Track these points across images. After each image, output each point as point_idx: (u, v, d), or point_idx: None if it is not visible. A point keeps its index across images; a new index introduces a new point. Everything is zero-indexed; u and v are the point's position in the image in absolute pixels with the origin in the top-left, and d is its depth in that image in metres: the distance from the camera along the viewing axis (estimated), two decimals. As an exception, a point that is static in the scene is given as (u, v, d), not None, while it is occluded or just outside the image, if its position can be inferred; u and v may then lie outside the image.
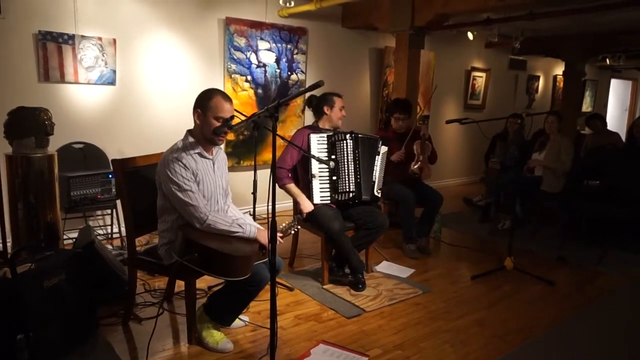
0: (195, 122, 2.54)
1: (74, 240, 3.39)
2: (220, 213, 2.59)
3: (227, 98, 2.52)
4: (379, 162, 3.65)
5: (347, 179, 3.48)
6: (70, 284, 2.47)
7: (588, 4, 4.57)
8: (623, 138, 6.68)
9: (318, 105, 3.57)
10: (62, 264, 2.47)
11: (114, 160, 2.68)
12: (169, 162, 2.44)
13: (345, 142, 3.50)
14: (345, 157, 3.49)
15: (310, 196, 3.44)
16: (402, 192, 4.20)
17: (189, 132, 2.58)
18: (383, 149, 3.70)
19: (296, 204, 3.68)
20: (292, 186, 3.49)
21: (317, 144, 3.46)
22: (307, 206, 3.42)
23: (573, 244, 4.67)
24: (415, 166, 4.33)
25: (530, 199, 5.04)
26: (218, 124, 2.46)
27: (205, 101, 2.48)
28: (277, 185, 3.44)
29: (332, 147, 3.50)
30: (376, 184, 3.63)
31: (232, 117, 2.46)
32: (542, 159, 4.91)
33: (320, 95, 3.54)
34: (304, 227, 3.67)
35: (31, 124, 2.97)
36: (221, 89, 4.87)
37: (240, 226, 2.49)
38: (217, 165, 2.66)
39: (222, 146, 4.98)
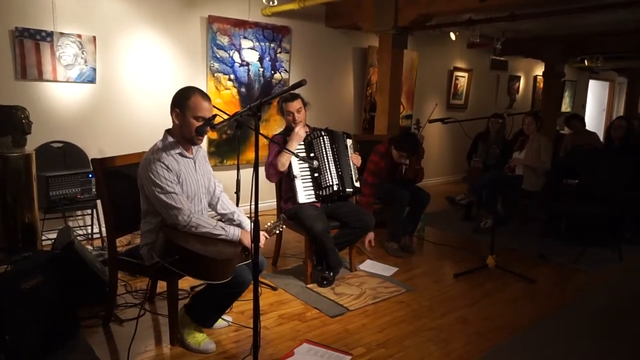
0: (173, 121, 2.50)
1: (53, 241, 3.33)
2: (204, 215, 2.56)
3: (206, 96, 2.49)
4: (349, 154, 3.68)
5: (329, 173, 3.50)
6: (49, 286, 2.42)
7: (567, 6, 4.65)
8: (601, 138, 6.81)
9: (280, 108, 3.56)
10: (41, 265, 2.42)
11: (94, 160, 2.64)
12: (150, 164, 2.40)
13: (322, 138, 3.53)
14: (324, 153, 3.52)
15: (294, 196, 3.43)
16: (396, 191, 4.21)
17: (168, 132, 2.54)
18: (349, 142, 3.73)
19: (280, 201, 3.68)
20: (280, 156, 3.38)
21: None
22: (295, 141, 3.36)
23: (553, 241, 4.73)
24: (411, 172, 4.41)
25: (512, 197, 5.11)
26: (197, 123, 2.43)
27: (184, 100, 2.44)
28: (275, 177, 3.40)
29: (310, 145, 3.51)
30: (353, 175, 3.65)
31: (215, 115, 2.43)
32: (523, 158, 4.98)
33: (280, 97, 3.49)
34: (288, 227, 3.66)
35: (8, 122, 2.92)
36: (204, 87, 4.89)
37: (223, 228, 2.46)
38: (199, 163, 2.63)
39: (205, 145, 4.97)
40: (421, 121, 4.64)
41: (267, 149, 3.50)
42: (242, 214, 2.73)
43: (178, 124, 2.48)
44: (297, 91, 3.31)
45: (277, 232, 2.68)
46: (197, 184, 2.58)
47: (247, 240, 2.48)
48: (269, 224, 2.64)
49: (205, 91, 4.90)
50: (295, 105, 3.47)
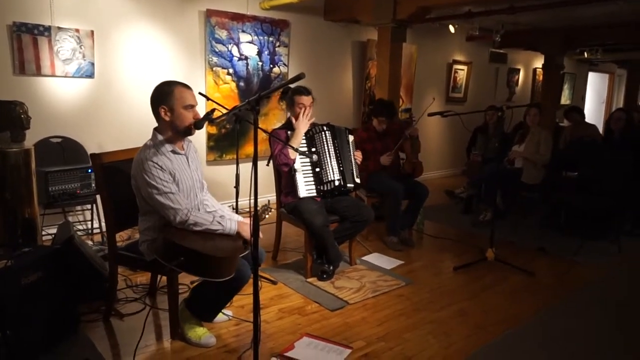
0: (162, 119, 2.45)
1: (53, 236, 3.33)
2: (201, 211, 2.56)
3: (186, 85, 2.48)
4: (351, 150, 3.69)
5: (330, 168, 3.50)
6: (49, 281, 2.43)
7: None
8: (600, 130, 6.80)
9: (290, 99, 3.54)
10: (41, 260, 2.42)
11: (92, 155, 2.63)
12: (144, 166, 2.37)
13: (323, 133, 3.53)
14: (326, 148, 3.52)
15: (294, 190, 3.43)
16: (391, 185, 4.21)
17: (156, 130, 2.51)
18: (351, 138, 3.74)
19: (279, 195, 3.68)
20: (294, 141, 3.39)
21: None
22: (302, 128, 3.39)
23: (552, 234, 4.75)
24: (408, 165, 4.43)
25: (511, 190, 5.11)
26: (188, 112, 2.43)
27: (168, 96, 2.42)
28: (287, 166, 3.39)
29: (311, 140, 3.51)
30: (354, 171, 3.66)
31: (213, 110, 2.42)
32: (522, 151, 4.98)
33: (290, 88, 3.50)
34: (287, 221, 3.67)
35: (6, 118, 2.90)
36: (202, 81, 4.89)
37: (220, 223, 2.46)
38: (191, 159, 2.62)
39: (204, 139, 4.97)
40: (414, 114, 4.63)
41: (266, 143, 3.50)
42: (225, 211, 2.73)
43: (169, 120, 2.44)
44: (302, 85, 3.36)
45: (267, 216, 2.62)
46: (192, 180, 2.57)
47: (245, 232, 2.48)
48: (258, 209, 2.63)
49: (204, 85, 4.95)
50: (308, 100, 3.48)
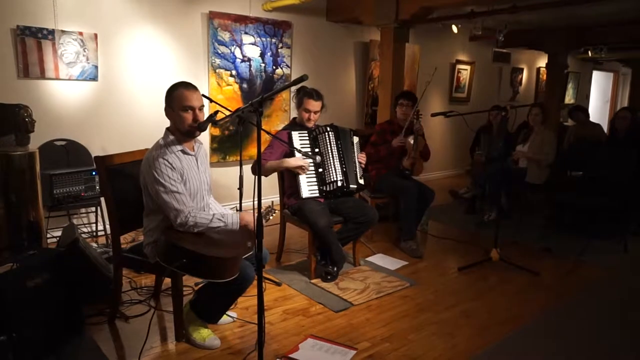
0: (169, 119, 2.52)
1: (58, 238, 3.35)
2: (202, 211, 2.56)
3: (191, 86, 2.48)
4: (355, 152, 3.69)
5: (333, 169, 3.50)
6: (54, 284, 2.43)
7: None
8: (605, 129, 6.77)
9: (299, 99, 3.55)
10: (46, 263, 2.44)
11: (96, 157, 2.64)
12: (154, 163, 2.39)
13: (327, 134, 3.53)
14: (329, 149, 3.51)
15: (298, 191, 3.43)
16: (402, 184, 4.19)
17: (168, 129, 2.54)
18: (355, 139, 3.73)
19: (283, 196, 3.68)
20: (269, 163, 3.43)
21: (299, 140, 3.46)
22: (293, 163, 3.39)
23: (557, 234, 4.73)
24: (408, 161, 4.35)
25: (515, 190, 5.10)
26: (187, 114, 2.44)
27: (168, 96, 2.47)
28: (256, 171, 3.40)
29: (315, 141, 3.51)
30: (358, 172, 3.65)
31: (217, 112, 2.43)
32: (526, 150, 4.96)
33: (303, 88, 3.50)
34: (291, 222, 3.67)
35: (11, 121, 2.93)
36: (205, 83, 4.90)
37: (220, 220, 2.44)
38: (200, 161, 2.63)
39: (207, 141, 4.98)
40: (421, 112, 4.58)
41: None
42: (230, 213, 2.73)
43: (171, 120, 2.50)
44: (311, 88, 3.37)
45: (271, 217, 2.59)
46: (200, 182, 2.57)
47: (246, 221, 2.45)
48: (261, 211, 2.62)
49: (207, 87, 4.96)
50: (316, 106, 3.48)
